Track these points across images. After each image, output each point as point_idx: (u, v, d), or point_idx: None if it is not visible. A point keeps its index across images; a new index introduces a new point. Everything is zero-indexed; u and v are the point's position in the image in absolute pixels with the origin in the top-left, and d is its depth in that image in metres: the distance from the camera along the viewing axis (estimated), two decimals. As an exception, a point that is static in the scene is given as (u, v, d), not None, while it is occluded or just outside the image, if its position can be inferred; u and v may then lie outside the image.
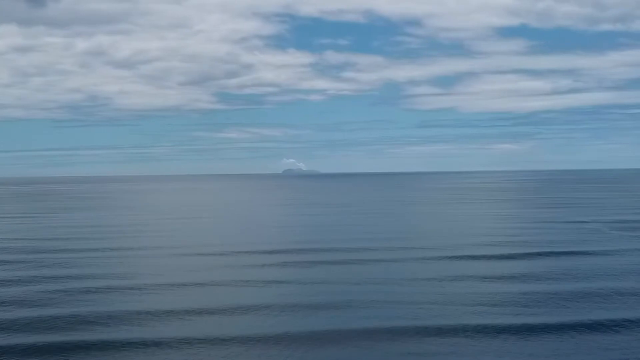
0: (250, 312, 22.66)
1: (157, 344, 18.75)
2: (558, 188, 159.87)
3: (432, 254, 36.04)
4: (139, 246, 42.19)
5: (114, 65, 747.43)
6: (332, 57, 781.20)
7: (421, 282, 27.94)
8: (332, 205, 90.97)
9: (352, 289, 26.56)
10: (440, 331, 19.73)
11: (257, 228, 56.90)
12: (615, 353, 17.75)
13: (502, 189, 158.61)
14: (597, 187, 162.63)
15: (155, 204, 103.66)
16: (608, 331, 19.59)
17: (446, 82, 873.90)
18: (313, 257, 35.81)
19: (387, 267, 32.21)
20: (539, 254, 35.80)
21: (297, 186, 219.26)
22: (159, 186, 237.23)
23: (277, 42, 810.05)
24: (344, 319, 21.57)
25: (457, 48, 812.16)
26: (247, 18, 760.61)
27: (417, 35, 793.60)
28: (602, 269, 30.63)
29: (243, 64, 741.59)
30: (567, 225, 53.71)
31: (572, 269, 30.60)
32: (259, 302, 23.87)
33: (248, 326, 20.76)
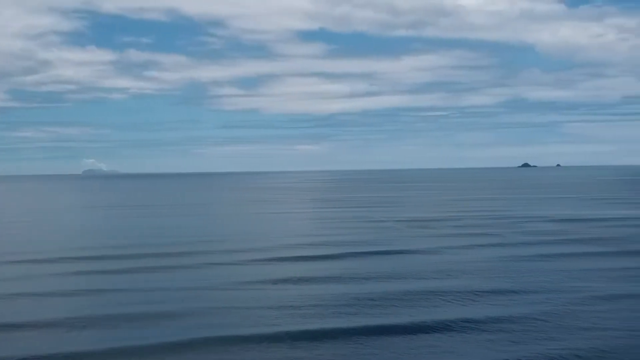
0: (62, 326, 21.52)
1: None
2: (356, 187, 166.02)
3: (245, 257, 36.07)
4: None
5: None
6: (134, 55, 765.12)
7: (238, 286, 27.80)
8: (138, 207, 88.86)
9: (168, 296, 25.91)
10: (260, 338, 19.61)
11: (58, 233, 54.47)
12: (440, 354, 18.45)
13: (306, 189, 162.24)
14: (392, 186, 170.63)
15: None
16: (429, 332, 20.22)
17: (249, 83, 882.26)
18: (120, 263, 34.75)
19: (202, 273, 31.70)
20: (346, 255, 36.77)
21: (98, 187, 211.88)
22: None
23: (76, 39, 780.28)
24: (160, 329, 21.03)
25: (259, 50, 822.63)
26: (44, 13, 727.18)
27: (220, 36, 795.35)
28: (405, 268, 31.99)
29: (40, 60, 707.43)
30: (367, 224, 55.90)
31: (379, 269, 31.65)
32: (69, 315, 22.76)
33: (58, 342, 19.71)
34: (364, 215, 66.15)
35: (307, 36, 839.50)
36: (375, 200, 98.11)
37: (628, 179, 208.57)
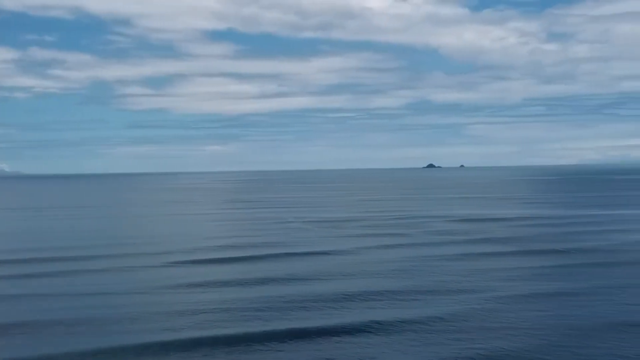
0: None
1: None
2: (265, 188, 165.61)
3: (153, 261, 35.15)
4: None
5: None
6: (38, 53, 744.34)
7: (146, 291, 26.96)
8: (41, 210, 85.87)
9: (71, 303, 24.87)
10: (168, 346, 18.95)
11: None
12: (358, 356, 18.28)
13: (215, 190, 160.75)
14: (301, 187, 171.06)
15: None
16: (342, 335, 19.94)
17: (157, 83, 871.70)
18: (17, 268, 33.36)
19: (108, 277, 30.56)
20: (257, 257, 36.25)
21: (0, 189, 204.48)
22: None
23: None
24: (58, 339, 20.06)
25: (167, 49, 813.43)
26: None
27: (127, 35, 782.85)
28: (316, 269, 31.81)
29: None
30: (276, 225, 55.60)
31: (290, 271, 31.30)
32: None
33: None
34: (273, 216, 65.82)
35: (215, 36, 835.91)
36: (285, 201, 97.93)
37: (528, 179, 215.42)
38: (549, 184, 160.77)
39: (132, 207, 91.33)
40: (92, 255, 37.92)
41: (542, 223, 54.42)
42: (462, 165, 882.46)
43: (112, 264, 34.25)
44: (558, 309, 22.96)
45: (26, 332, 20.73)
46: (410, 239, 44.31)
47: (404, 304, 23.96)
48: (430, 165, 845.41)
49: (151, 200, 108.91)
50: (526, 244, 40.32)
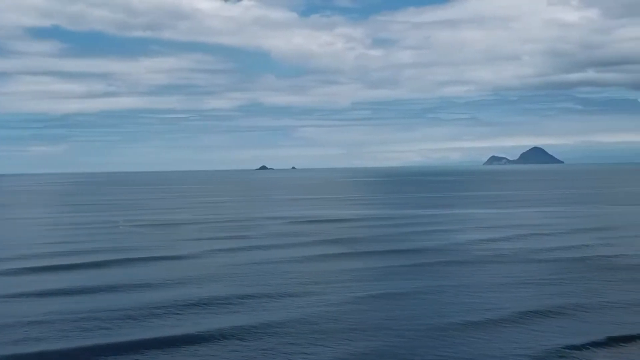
0: None
1: None
2: (95, 191, 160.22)
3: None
4: None
5: None
6: None
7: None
8: None
9: None
10: None
11: None
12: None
13: (40, 193, 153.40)
14: (132, 189, 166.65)
15: None
16: (171, 347, 19.15)
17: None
18: None
19: None
20: (90, 265, 34.44)
21: None
22: None
23: None
24: None
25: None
26: None
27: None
28: (154, 276, 30.74)
29: None
30: (108, 230, 53.55)
31: (122, 279, 30.01)
32: None
33: None
34: (102, 220, 63.45)
35: (39, 33, 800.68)
36: (114, 204, 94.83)
37: (356, 180, 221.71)
38: (376, 185, 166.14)
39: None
40: None
41: (375, 224, 55.77)
42: (293, 167, 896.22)
43: None
44: (396, 309, 23.20)
45: None
46: (248, 241, 43.92)
47: (237, 310, 23.46)
48: (263, 167, 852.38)
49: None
50: (362, 245, 41.09)
